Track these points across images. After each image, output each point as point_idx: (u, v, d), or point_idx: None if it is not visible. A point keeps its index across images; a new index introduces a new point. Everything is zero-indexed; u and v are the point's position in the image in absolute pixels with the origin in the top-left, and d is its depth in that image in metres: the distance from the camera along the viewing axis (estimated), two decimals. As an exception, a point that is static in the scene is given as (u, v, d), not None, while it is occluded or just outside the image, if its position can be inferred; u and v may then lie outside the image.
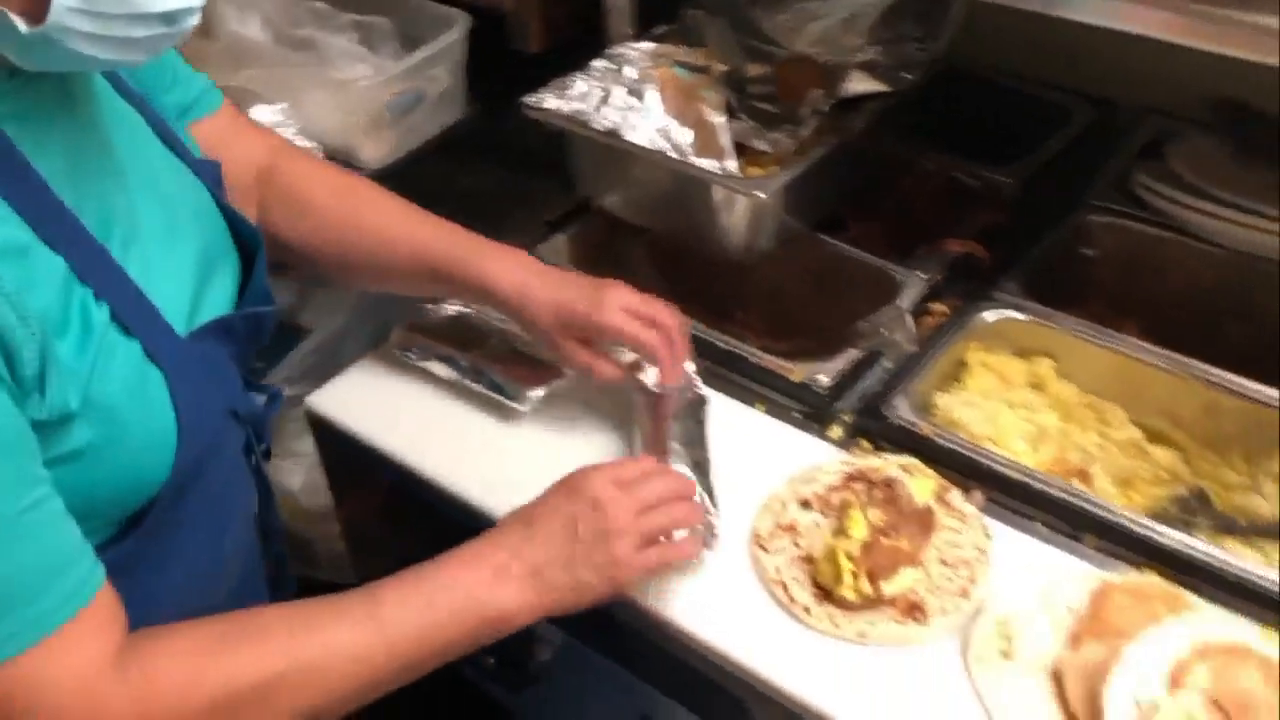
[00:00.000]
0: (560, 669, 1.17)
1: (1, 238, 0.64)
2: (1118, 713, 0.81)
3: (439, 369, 1.13)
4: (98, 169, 0.75)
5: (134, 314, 0.72)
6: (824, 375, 1.12)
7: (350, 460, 1.17)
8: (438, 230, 1.04)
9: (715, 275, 1.29)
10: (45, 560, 0.65)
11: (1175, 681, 0.83)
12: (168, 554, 0.76)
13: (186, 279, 0.80)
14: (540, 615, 0.84)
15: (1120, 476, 1.11)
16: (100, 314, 0.69)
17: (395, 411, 1.13)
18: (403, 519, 1.22)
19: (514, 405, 1.09)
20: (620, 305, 1.00)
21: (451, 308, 1.19)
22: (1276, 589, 0.89)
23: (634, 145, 1.22)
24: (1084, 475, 1.10)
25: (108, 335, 0.70)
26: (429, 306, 1.19)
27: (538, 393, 1.09)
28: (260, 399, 0.90)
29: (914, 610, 0.91)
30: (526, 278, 1.01)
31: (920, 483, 0.99)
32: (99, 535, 0.72)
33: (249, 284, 0.88)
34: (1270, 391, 1.06)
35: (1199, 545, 0.94)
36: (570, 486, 0.88)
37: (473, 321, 1.17)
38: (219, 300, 0.84)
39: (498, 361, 1.11)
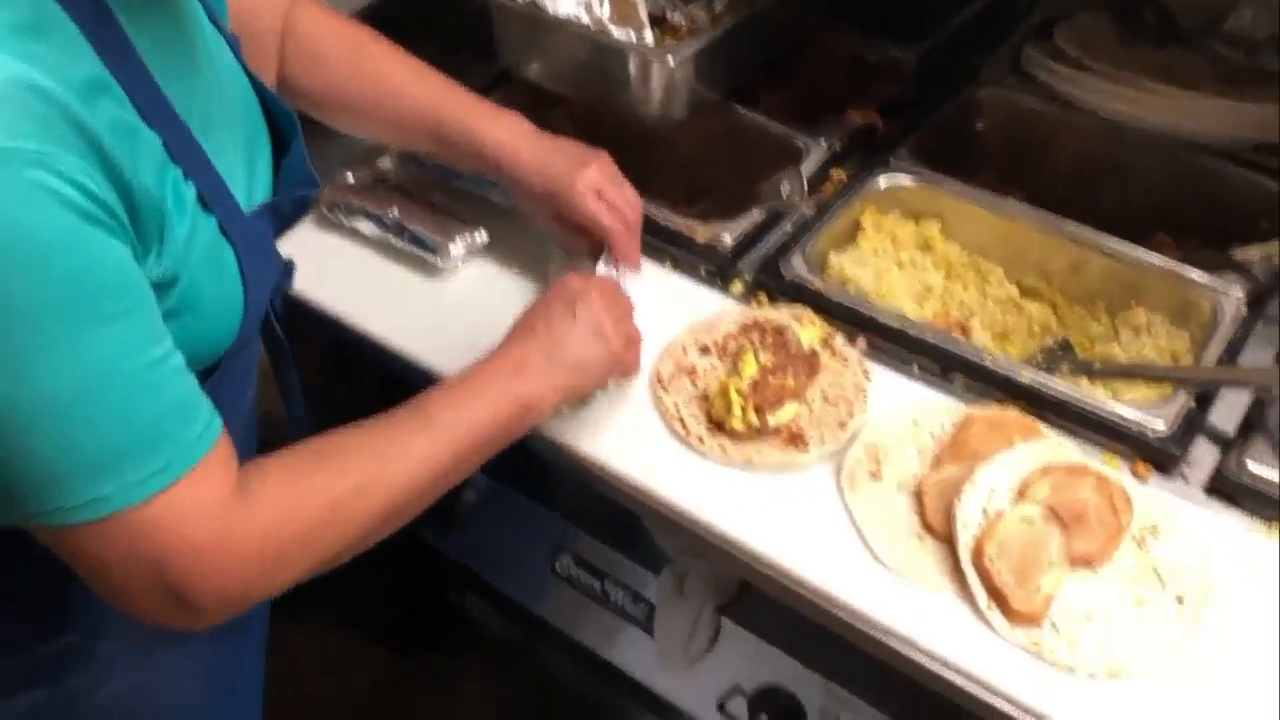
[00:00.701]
0: (484, 510, 1.26)
1: (117, 118, 0.68)
2: (967, 520, 0.92)
3: (365, 227, 1.19)
4: (179, 51, 0.79)
5: (213, 193, 0.77)
6: (728, 235, 1.20)
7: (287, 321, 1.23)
8: (440, 88, 1.08)
9: (632, 142, 1.35)
10: (182, 402, 0.70)
11: (1020, 495, 0.94)
12: (220, 405, 0.80)
13: (241, 161, 0.85)
14: (561, 397, 0.92)
15: (998, 330, 1.21)
16: (189, 192, 0.74)
17: (326, 270, 1.19)
18: (341, 376, 1.29)
19: (437, 261, 1.16)
20: (590, 186, 1.05)
21: (382, 164, 1.24)
22: (1116, 419, 1.00)
23: (554, 16, 1.27)
24: (964, 329, 1.20)
25: (195, 212, 0.75)
26: (354, 169, 1.24)
27: (459, 249, 1.16)
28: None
29: (796, 440, 1.01)
30: (517, 143, 1.06)
31: (809, 330, 1.09)
32: None
33: (283, 165, 0.92)
34: (1131, 249, 1.16)
35: (1054, 382, 1.04)
36: (567, 289, 0.95)
37: (398, 180, 1.23)
38: (263, 181, 0.89)
39: (421, 219, 1.18)
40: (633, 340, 0.99)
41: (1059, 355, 1.14)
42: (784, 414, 1.02)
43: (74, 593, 0.83)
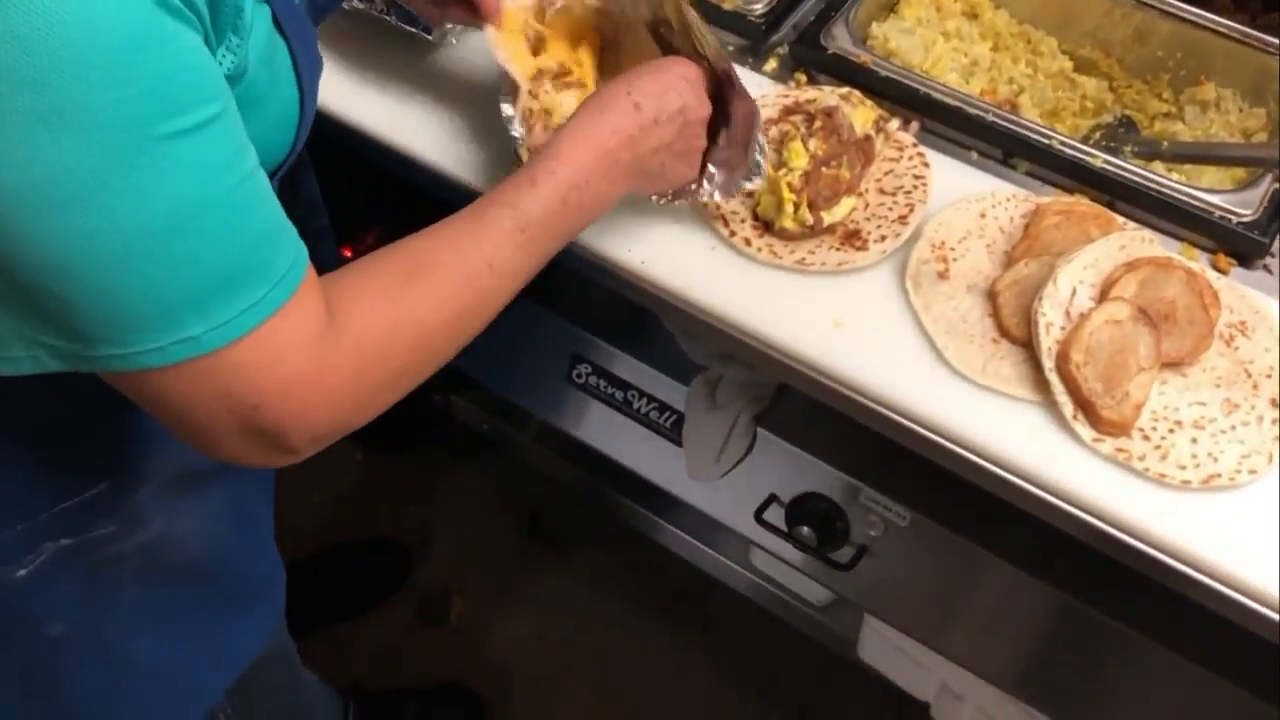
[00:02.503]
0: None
1: None
2: (1049, 324, 0.84)
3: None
4: None
5: None
6: (758, 3, 1.06)
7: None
8: None
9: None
10: (273, 227, 0.62)
11: (1104, 293, 0.86)
12: None
13: None
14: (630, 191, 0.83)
15: (1047, 108, 1.11)
16: None
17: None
18: (349, 181, 1.16)
19: (428, 37, 1.01)
20: None
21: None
22: (1199, 205, 0.92)
23: None
24: (1013, 106, 1.09)
25: (253, 3, 0.63)
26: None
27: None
28: None
29: (853, 237, 0.92)
30: None
31: (860, 112, 0.97)
32: None
33: None
34: (1201, 12, 1.05)
35: (1128, 166, 0.95)
36: (671, 75, 0.82)
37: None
38: None
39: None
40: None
41: (1122, 134, 1.05)
42: (840, 210, 0.92)
43: (110, 442, 0.77)
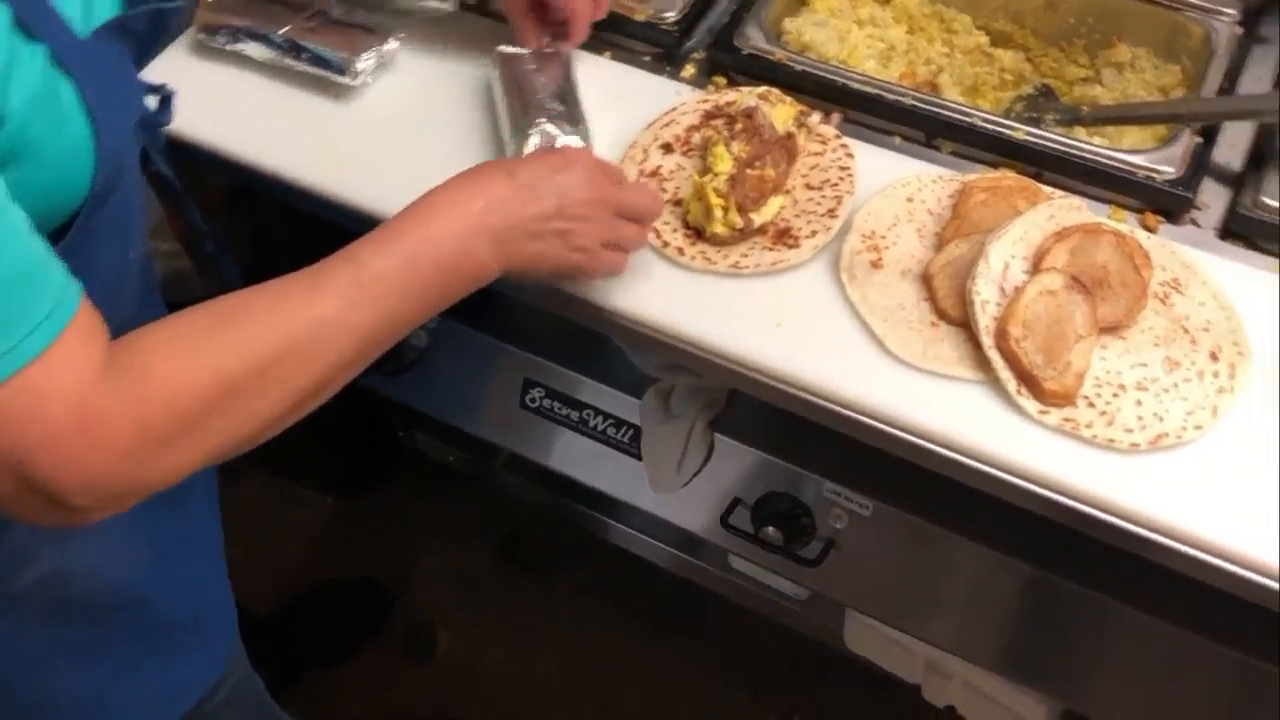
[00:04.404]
0: (437, 351, 1.16)
1: None
2: (985, 301, 0.84)
3: (253, 50, 1.02)
4: None
5: (34, 14, 0.62)
6: (671, 10, 1.06)
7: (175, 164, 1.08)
8: None
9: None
10: (24, 271, 0.59)
11: (1036, 265, 0.86)
12: (85, 268, 0.69)
13: None
14: (506, 273, 0.80)
15: (968, 84, 1.11)
16: (3, 16, 0.59)
17: (215, 105, 1.02)
18: (245, 218, 1.15)
19: (343, 80, 1.00)
20: None
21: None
22: (1121, 167, 0.93)
23: None
24: (933, 87, 1.10)
25: (12, 38, 0.60)
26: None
27: (367, 61, 1.00)
28: (152, 101, 0.82)
29: (785, 236, 0.92)
30: None
31: (780, 110, 0.97)
32: None
33: None
34: (1111, -25, 1.06)
35: (1050, 136, 0.95)
36: (566, 158, 0.82)
37: (281, -10, 1.05)
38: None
39: (317, 33, 1.01)
40: (620, 242, 0.85)
41: (1042, 104, 1.05)
42: (769, 209, 0.92)
43: None
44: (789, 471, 1.05)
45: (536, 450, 1.19)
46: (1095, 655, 1.02)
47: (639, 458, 1.10)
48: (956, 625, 1.11)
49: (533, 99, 0.95)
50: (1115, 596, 0.96)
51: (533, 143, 0.91)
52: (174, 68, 1.04)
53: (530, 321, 1.04)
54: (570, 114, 0.95)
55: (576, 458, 1.15)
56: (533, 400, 1.12)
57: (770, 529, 1.04)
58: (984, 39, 1.12)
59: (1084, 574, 0.96)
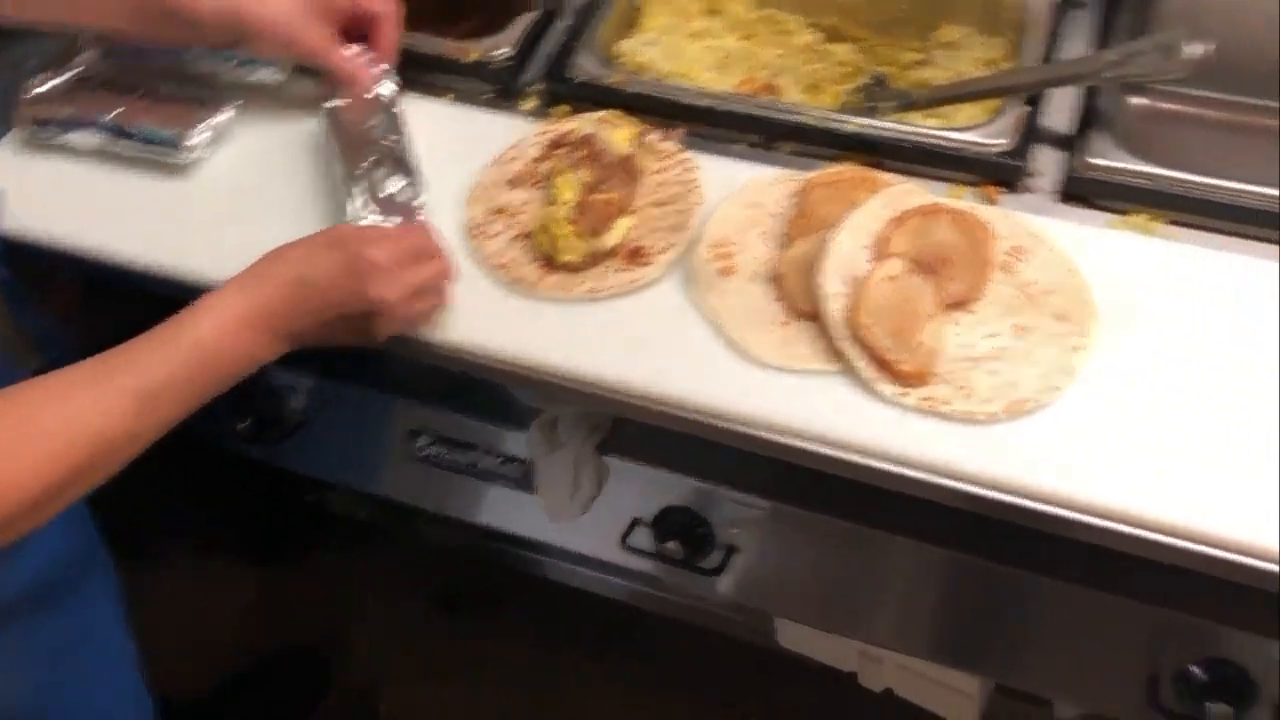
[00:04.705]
0: (317, 411, 1.15)
1: None
2: (832, 293, 0.86)
3: (79, 138, 1.00)
4: None
5: None
6: (503, 48, 1.07)
7: (18, 265, 1.06)
8: None
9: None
10: None
11: (879, 252, 0.88)
12: None
13: None
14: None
15: (808, 82, 1.13)
16: None
17: (47, 199, 1.00)
18: (104, 313, 1.13)
19: (176, 157, 0.99)
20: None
21: (78, 63, 1.05)
22: (953, 145, 0.95)
23: None
24: (773, 89, 1.11)
25: None
26: (50, 74, 1.04)
27: (201, 135, 0.99)
28: None
29: (637, 255, 0.92)
30: None
31: (619, 132, 0.98)
32: None
33: None
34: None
35: (882, 124, 0.97)
36: (344, 249, 0.81)
37: (107, 76, 1.04)
38: None
39: (149, 112, 1.00)
40: (421, 289, 0.86)
41: (877, 93, 1.07)
42: (617, 231, 0.92)
43: None
44: (682, 483, 1.05)
45: (435, 499, 1.18)
46: (1019, 628, 1.03)
47: (534, 491, 1.10)
48: (876, 618, 1.11)
49: (361, 150, 0.94)
50: (1029, 569, 0.96)
51: (358, 193, 0.91)
52: (3, 168, 1.03)
53: (408, 368, 1.03)
54: (399, 160, 0.95)
55: (474, 501, 1.14)
56: (421, 449, 1.11)
57: (670, 544, 1.04)
58: (818, 36, 1.14)
59: (996, 550, 0.96)
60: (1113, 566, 0.86)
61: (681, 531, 1.05)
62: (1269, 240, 0.89)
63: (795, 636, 1.39)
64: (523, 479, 1.10)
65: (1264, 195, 0.88)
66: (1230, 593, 0.79)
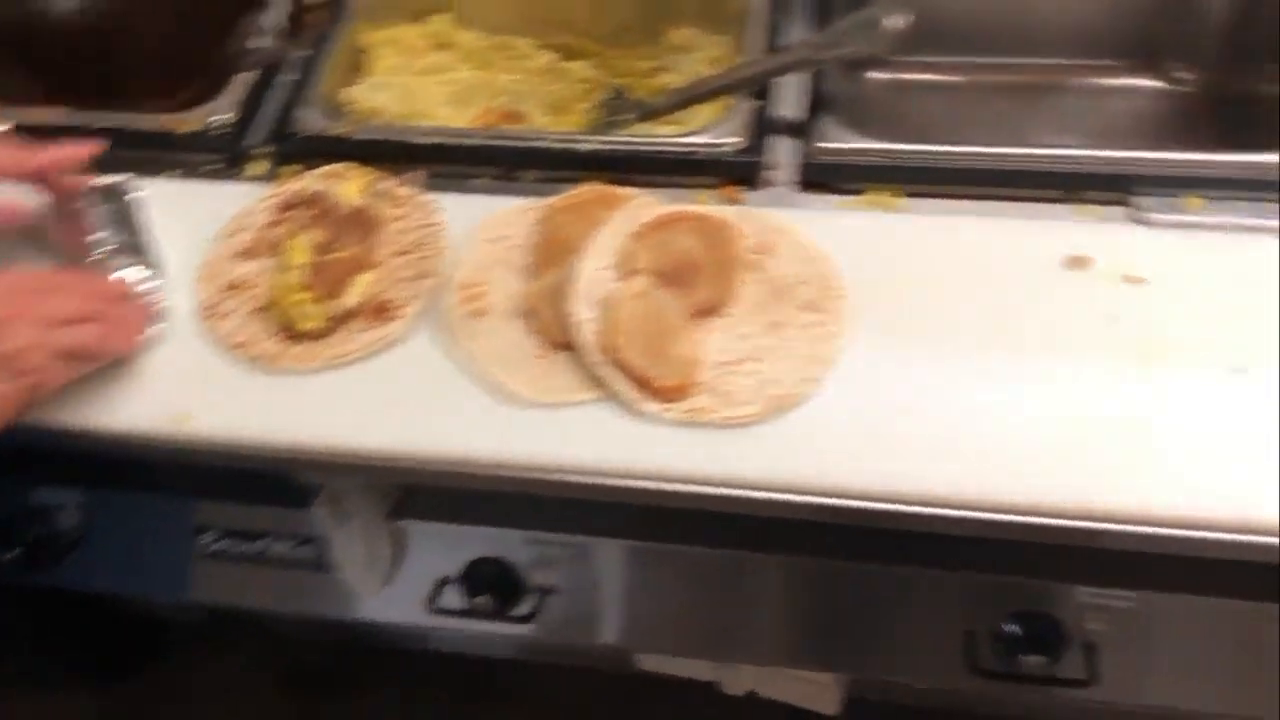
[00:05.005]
0: (93, 524, 1.07)
1: None
2: (582, 320, 0.83)
3: None
4: None
5: None
6: (222, 112, 1.02)
7: None
8: None
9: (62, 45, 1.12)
10: None
11: (626, 271, 0.86)
12: None
13: None
14: None
15: (551, 104, 1.11)
16: None
17: None
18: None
19: None
20: None
21: None
22: (688, 151, 0.94)
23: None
24: (518, 116, 1.09)
25: None
26: None
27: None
28: None
29: (383, 311, 0.88)
30: None
31: (349, 185, 0.94)
32: None
33: None
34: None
35: (617, 138, 0.96)
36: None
37: None
38: None
39: None
40: (73, 349, 0.80)
41: (617, 105, 1.06)
42: (358, 288, 0.88)
43: None
44: (485, 533, 1.02)
45: (235, 595, 1.11)
46: (873, 620, 1.01)
47: (331, 570, 1.04)
48: (715, 633, 1.09)
49: (88, 242, 0.88)
50: (847, 559, 0.95)
51: None
52: None
53: (179, 464, 0.97)
54: (131, 244, 0.89)
55: (272, 591, 1.08)
56: (207, 546, 1.05)
57: (481, 598, 1.00)
58: (553, 57, 1.12)
59: (817, 548, 0.94)
60: (918, 545, 0.86)
61: (494, 582, 1.01)
62: (999, 198, 0.91)
63: (653, 658, 1.37)
64: (320, 560, 1.05)
65: (987, 154, 0.90)
66: (1030, 547, 0.80)
